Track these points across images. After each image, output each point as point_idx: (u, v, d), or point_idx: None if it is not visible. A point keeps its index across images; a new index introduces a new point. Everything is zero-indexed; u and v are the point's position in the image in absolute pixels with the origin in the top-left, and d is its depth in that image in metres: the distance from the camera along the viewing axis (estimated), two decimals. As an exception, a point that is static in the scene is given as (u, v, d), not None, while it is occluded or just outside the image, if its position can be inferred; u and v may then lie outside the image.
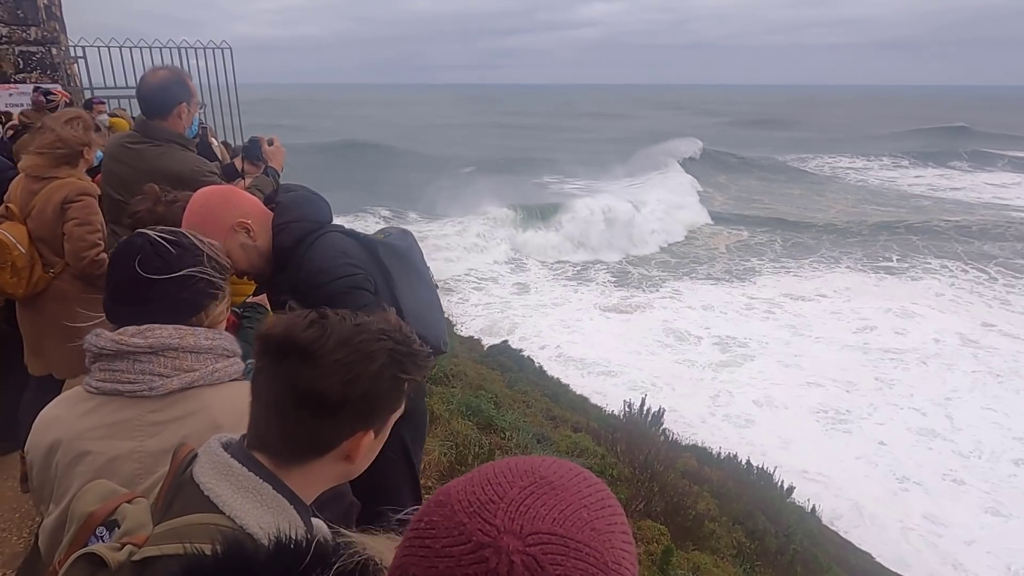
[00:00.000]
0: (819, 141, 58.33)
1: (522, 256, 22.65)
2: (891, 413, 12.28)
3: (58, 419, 1.19)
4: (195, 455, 0.90)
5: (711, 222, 28.29)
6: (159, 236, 1.18)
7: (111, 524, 0.88)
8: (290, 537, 0.71)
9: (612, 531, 0.55)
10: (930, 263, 22.08)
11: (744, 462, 8.15)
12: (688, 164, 39.18)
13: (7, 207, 2.94)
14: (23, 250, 2.85)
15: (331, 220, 1.95)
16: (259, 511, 0.83)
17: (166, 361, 1.13)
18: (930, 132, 63.03)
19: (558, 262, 22.32)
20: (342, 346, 0.86)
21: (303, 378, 0.84)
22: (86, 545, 0.88)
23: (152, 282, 1.14)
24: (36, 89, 6.79)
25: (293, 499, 0.88)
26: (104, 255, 2.89)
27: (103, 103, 7.22)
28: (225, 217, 1.73)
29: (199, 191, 1.82)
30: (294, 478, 0.89)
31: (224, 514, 0.82)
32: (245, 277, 1.91)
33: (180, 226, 1.68)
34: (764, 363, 14.20)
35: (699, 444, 8.68)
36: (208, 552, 0.71)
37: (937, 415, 12.19)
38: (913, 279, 20.56)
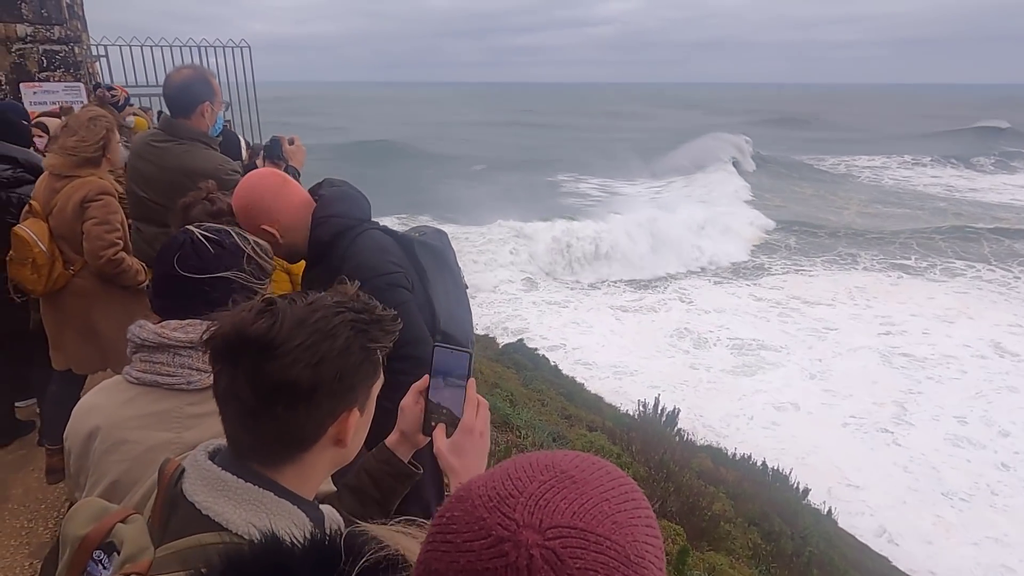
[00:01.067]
0: (853, 141, 55.99)
1: (555, 276, 20.23)
2: (920, 420, 11.95)
3: (97, 407, 1.21)
4: (183, 470, 0.85)
5: (773, 228, 25.38)
6: (202, 235, 1.20)
7: (108, 547, 0.84)
8: (324, 532, 0.72)
9: (635, 524, 0.54)
10: (954, 263, 21.52)
11: (760, 463, 8.10)
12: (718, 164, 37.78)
13: (30, 204, 2.98)
14: (43, 247, 2.89)
15: (370, 217, 1.97)
16: (266, 522, 0.80)
17: (205, 356, 1.15)
18: (966, 132, 60.60)
19: (607, 283, 19.80)
20: (299, 329, 0.80)
21: (266, 373, 0.78)
22: (85, 570, 0.84)
23: (187, 280, 1.17)
24: (98, 86, 7.14)
25: (296, 500, 0.85)
26: (122, 254, 2.92)
27: (132, 103, 7.36)
28: (257, 217, 1.78)
29: (255, 172, 1.87)
30: (289, 476, 0.85)
31: (229, 531, 0.78)
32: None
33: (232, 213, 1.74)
34: (782, 365, 14.01)
35: (714, 445, 8.65)
36: (246, 546, 0.71)
37: (972, 423, 11.74)
38: (932, 279, 20.17)
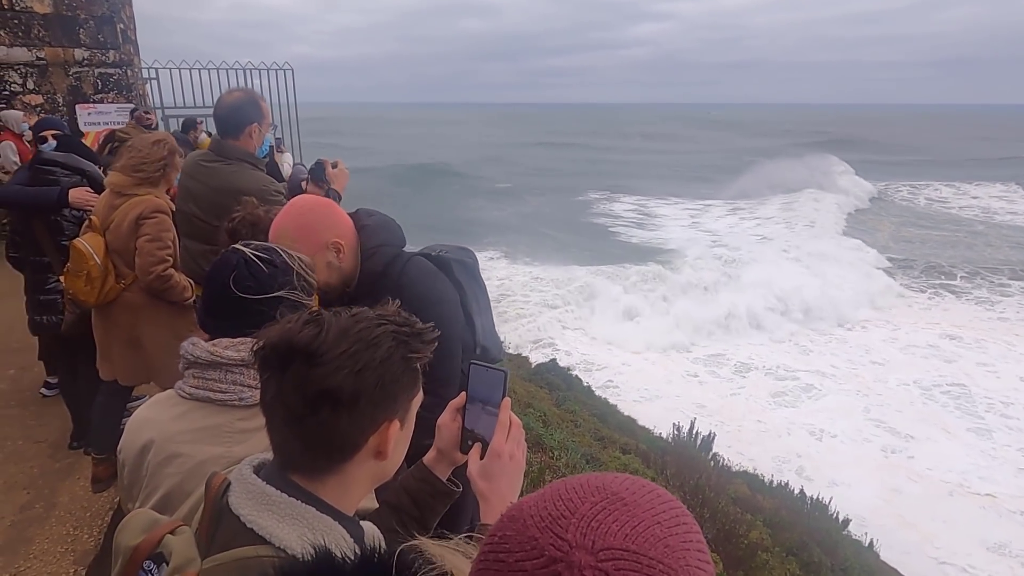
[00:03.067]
0: (914, 164, 52.59)
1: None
2: (965, 458, 11.31)
3: (151, 421, 1.24)
4: (229, 483, 0.87)
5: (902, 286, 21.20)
6: (254, 254, 1.23)
7: (157, 557, 0.86)
8: (375, 548, 0.72)
9: (687, 549, 0.54)
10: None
11: (797, 491, 7.88)
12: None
13: (90, 219, 3.11)
14: (98, 261, 3.00)
15: (405, 244, 2.00)
16: (309, 536, 0.82)
17: (255, 373, 1.18)
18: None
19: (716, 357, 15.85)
20: (343, 338, 0.83)
21: (312, 379, 0.81)
22: None
23: (242, 300, 1.19)
24: (135, 110, 7.62)
25: (338, 516, 0.86)
26: (171, 271, 3.01)
27: (202, 122, 7.71)
28: (322, 232, 1.75)
29: (301, 197, 1.87)
30: (330, 489, 0.87)
31: (272, 545, 0.80)
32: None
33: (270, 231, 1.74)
34: (825, 393, 13.58)
35: (750, 471, 8.45)
36: (300, 560, 0.72)
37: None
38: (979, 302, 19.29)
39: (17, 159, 7.50)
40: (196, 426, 1.19)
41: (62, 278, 3.18)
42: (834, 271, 20.56)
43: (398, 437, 0.91)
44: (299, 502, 0.82)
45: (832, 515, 7.47)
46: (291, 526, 0.81)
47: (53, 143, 3.83)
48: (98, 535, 3.04)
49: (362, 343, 0.84)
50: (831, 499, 7.77)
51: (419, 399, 0.95)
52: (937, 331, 16.84)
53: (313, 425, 0.83)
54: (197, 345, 1.19)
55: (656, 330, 16.29)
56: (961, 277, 21.57)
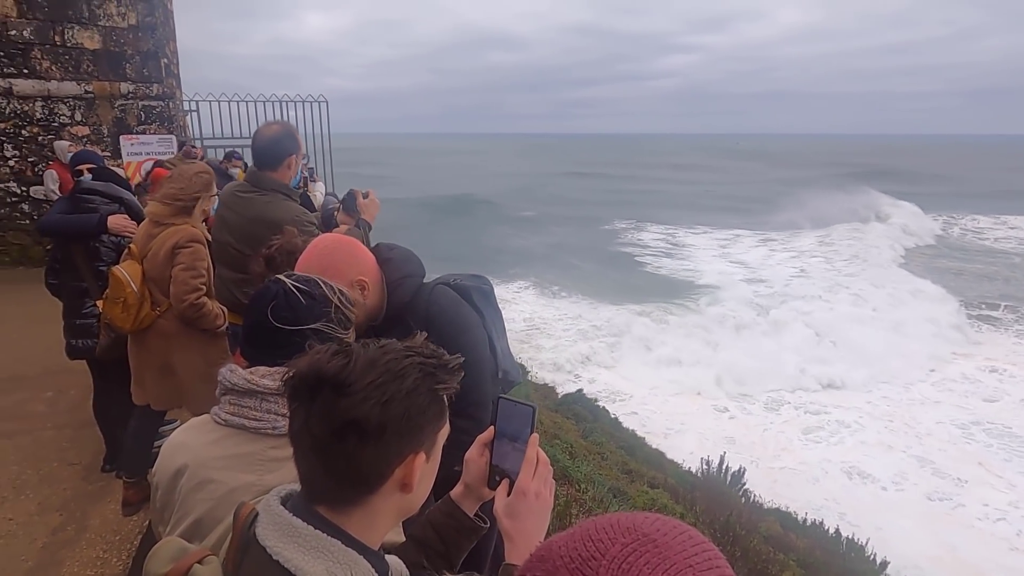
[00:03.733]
0: (959, 195, 49.60)
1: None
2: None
3: (185, 445, 1.25)
4: (256, 514, 0.87)
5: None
6: (294, 285, 1.25)
7: None
8: None
9: None
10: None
11: (832, 531, 7.62)
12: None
13: (129, 248, 3.20)
14: (135, 288, 3.08)
15: (426, 274, 2.05)
16: (335, 569, 0.82)
17: None
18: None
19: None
20: (371, 369, 0.84)
21: (339, 409, 0.81)
22: None
23: (279, 330, 1.21)
24: (183, 144, 8.12)
25: (363, 550, 0.86)
26: (204, 299, 3.07)
27: (240, 159, 8.02)
28: (347, 271, 1.78)
29: (324, 236, 1.91)
30: (355, 522, 0.87)
31: None
32: None
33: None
34: (857, 428, 13.16)
35: (782, 508, 8.21)
36: None
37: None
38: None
39: (57, 188, 7.81)
40: (230, 453, 1.20)
41: (99, 303, 3.27)
42: (896, 314, 19.16)
43: (424, 469, 0.90)
44: (325, 535, 0.82)
45: (869, 557, 7.20)
46: (317, 559, 0.80)
47: (89, 176, 3.96)
48: (127, 559, 3.06)
49: (389, 374, 0.84)
50: (868, 540, 7.51)
51: (445, 431, 0.94)
52: (976, 364, 16.30)
53: (339, 455, 0.83)
54: (235, 372, 1.21)
55: (698, 379, 15.08)
56: (1004, 308, 20.75)
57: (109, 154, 8.99)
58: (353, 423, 0.81)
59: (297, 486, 0.89)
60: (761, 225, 36.91)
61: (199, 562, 0.89)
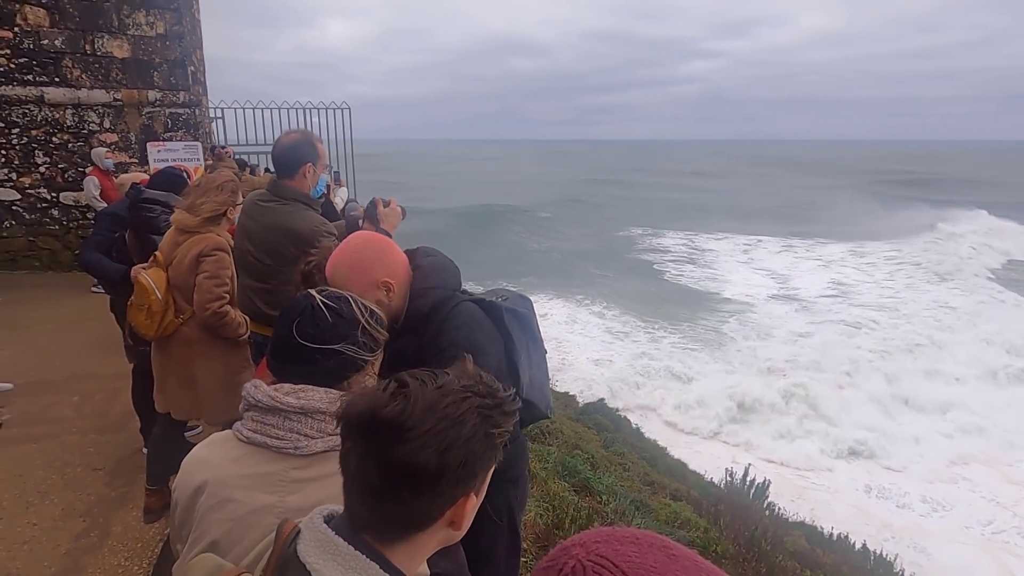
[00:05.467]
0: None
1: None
2: None
3: (206, 461, 1.23)
4: (299, 531, 0.88)
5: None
6: (323, 301, 1.22)
7: None
8: None
9: None
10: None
11: (859, 546, 7.44)
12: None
13: (155, 256, 3.22)
14: (160, 295, 3.09)
15: (461, 286, 1.98)
16: None
17: (313, 423, 1.17)
18: None
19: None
20: (430, 414, 0.82)
21: (397, 455, 0.80)
22: None
23: (303, 346, 1.19)
24: (214, 147, 8.42)
25: None
26: (227, 307, 3.07)
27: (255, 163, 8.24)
28: (375, 271, 1.76)
29: (359, 234, 1.88)
30: (398, 554, 0.86)
31: None
32: None
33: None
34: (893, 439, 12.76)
35: (807, 522, 8.04)
36: None
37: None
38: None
39: (99, 194, 7.95)
40: (251, 471, 1.18)
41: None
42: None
43: (473, 507, 0.90)
44: (364, 557, 0.82)
45: (898, 573, 7.02)
46: None
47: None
48: (147, 567, 3.07)
49: (448, 420, 0.82)
50: (896, 556, 7.32)
51: (493, 468, 0.93)
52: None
53: (391, 501, 0.82)
54: (259, 388, 1.19)
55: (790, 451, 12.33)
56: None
57: (136, 160, 9.14)
58: (409, 472, 0.80)
59: (339, 507, 0.89)
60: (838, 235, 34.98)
61: None
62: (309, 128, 8.97)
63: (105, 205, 7.98)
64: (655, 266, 29.42)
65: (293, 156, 3.05)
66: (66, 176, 8.89)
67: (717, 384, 14.53)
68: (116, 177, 8.45)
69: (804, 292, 24.14)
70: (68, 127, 8.88)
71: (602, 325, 19.51)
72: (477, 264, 25.08)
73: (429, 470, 0.80)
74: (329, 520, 0.87)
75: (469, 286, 2.41)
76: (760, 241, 34.29)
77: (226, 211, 3.16)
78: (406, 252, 1.95)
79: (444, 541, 0.92)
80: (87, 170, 8.36)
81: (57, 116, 8.81)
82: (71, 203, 9.04)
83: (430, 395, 0.83)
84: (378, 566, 0.83)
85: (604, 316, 20.53)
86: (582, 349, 17.12)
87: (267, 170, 9.84)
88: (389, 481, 0.80)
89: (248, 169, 8.86)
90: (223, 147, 8.05)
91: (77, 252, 9.03)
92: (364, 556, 0.82)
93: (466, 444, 0.82)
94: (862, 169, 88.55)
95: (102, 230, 4.04)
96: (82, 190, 8.32)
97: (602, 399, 9.67)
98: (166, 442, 3.44)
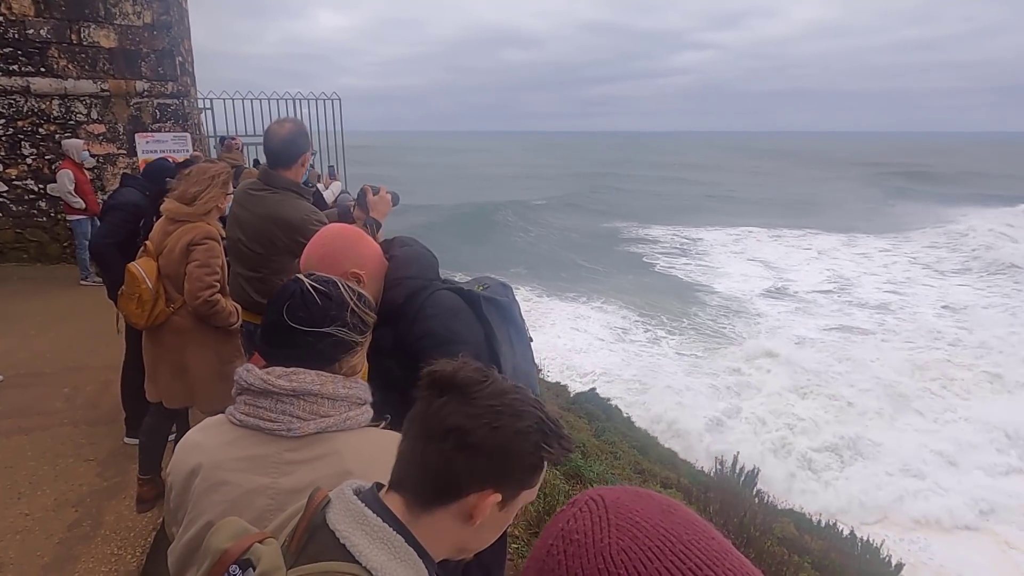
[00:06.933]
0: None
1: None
2: None
3: (200, 445, 1.24)
4: (329, 500, 0.92)
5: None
6: (311, 285, 1.23)
7: (244, 563, 0.90)
8: None
9: None
10: None
11: (847, 533, 7.55)
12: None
13: (145, 245, 3.21)
14: (150, 284, 3.09)
15: (439, 276, 1.97)
16: (393, 563, 0.84)
17: (305, 405, 1.18)
18: None
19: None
20: (498, 396, 0.90)
21: (456, 413, 0.88)
22: None
23: (294, 330, 1.20)
24: (223, 139, 8.49)
25: (423, 554, 0.89)
26: (218, 296, 3.07)
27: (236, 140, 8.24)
28: (343, 262, 1.76)
29: (329, 226, 1.88)
30: (421, 528, 0.90)
31: (360, 564, 0.83)
32: None
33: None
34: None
35: (796, 509, 8.13)
36: None
37: None
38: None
39: (73, 188, 7.89)
40: (245, 454, 1.19)
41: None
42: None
43: (494, 513, 0.93)
44: (390, 528, 0.87)
45: (884, 559, 7.12)
46: (381, 550, 0.84)
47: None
48: (140, 556, 3.08)
49: (510, 408, 0.89)
50: (883, 542, 7.42)
51: (529, 496, 0.97)
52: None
53: (437, 451, 0.88)
54: (251, 372, 1.20)
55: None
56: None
57: (124, 152, 9.07)
58: (461, 429, 0.87)
59: (365, 482, 0.95)
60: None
61: (260, 542, 0.92)
62: (299, 119, 8.94)
63: (79, 200, 7.95)
64: (644, 259, 29.36)
65: (292, 147, 3.06)
66: (53, 167, 8.81)
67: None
68: (91, 170, 8.44)
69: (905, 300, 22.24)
70: (55, 118, 8.79)
71: (602, 319, 19.48)
72: (467, 257, 25.01)
73: (475, 435, 0.87)
74: (358, 492, 0.92)
75: (459, 277, 2.41)
76: (813, 237, 32.84)
77: (217, 200, 3.16)
78: (383, 243, 1.95)
79: (459, 541, 0.95)
80: (60, 163, 8.29)
81: (43, 107, 8.72)
82: (58, 195, 8.98)
83: (505, 386, 0.92)
84: (403, 539, 0.87)
85: (596, 308, 20.60)
86: (573, 340, 17.19)
87: (256, 162, 9.79)
88: (441, 432, 0.87)
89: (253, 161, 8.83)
90: (232, 138, 8.07)
91: (66, 244, 8.98)
92: (389, 528, 0.87)
93: (515, 436, 0.88)
94: (860, 161, 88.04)
95: (119, 220, 4.01)
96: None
97: (593, 388, 9.72)
98: (157, 432, 3.44)
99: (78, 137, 8.61)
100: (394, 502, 0.91)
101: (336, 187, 8.42)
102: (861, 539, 7.47)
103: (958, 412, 13.56)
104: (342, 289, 1.25)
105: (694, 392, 13.90)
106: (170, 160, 4.37)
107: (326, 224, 3.16)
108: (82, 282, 8.11)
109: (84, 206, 8.02)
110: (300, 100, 10.83)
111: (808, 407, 13.44)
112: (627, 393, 13.28)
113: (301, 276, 1.26)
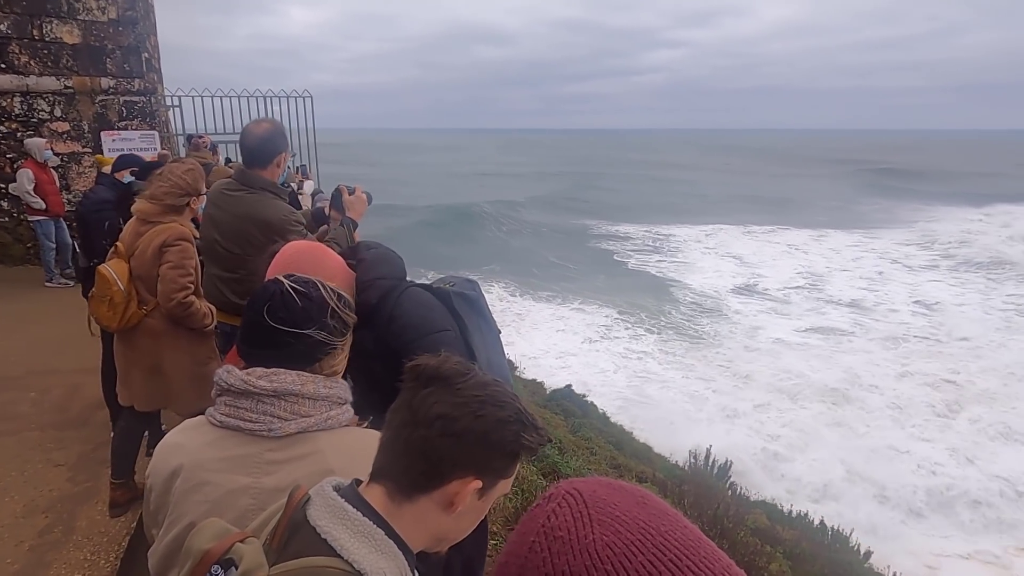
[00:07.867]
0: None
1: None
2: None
3: (181, 446, 1.24)
4: (309, 498, 0.93)
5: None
6: (291, 286, 1.24)
7: (226, 563, 0.90)
8: None
9: None
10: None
11: (818, 523, 7.72)
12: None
13: (116, 246, 3.16)
14: (122, 286, 3.04)
15: (406, 276, 2.02)
16: (374, 556, 0.86)
17: (286, 405, 1.19)
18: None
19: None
20: (481, 387, 0.94)
21: (442, 402, 0.91)
22: None
23: (274, 330, 1.20)
24: (191, 137, 8.37)
25: (402, 546, 0.91)
26: (192, 298, 3.04)
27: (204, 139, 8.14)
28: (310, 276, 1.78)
29: (290, 244, 1.89)
30: (402, 518, 0.92)
31: (341, 558, 0.84)
32: None
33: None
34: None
35: (768, 500, 8.29)
36: None
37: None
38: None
39: (32, 188, 7.70)
40: (226, 454, 1.19)
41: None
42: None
43: (473, 502, 0.95)
44: (370, 522, 0.88)
45: (854, 547, 7.31)
46: (362, 543, 0.86)
47: (131, 178, 3.98)
48: (114, 561, 3.04)
49: (492, 399, 0.93)
50: (852, 531, 7.61)
51: (504, 487, 1.00)
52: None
53: (421, 437, 0.91)
54: (231, 373, 1.20)
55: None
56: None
57: (90, 150, 8.87)
58: (447, 417, 0.90)
59: (343, 480, 0.96)
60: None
61: (241, 542, 0.92)
62: (271, 117, 8.83)
63: (39, 200, 7.77)
64: (615, 256, 29.52)
65: (269, 146, 3.04)
66: (15, 166, 8.57)
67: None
68: (56, 168, 8.25)
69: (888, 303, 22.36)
70: (16, 115, 8.56)
71: (581, 319, 19.47)
72: (439, 257, 24.89)
73: (460, 422, 0.91)
74: (338, 489, 0.94)
75: (430, 276, 2.42)
76: (783, 232, 33.44)
77: (190, 201, 3.12)
78: (348, 248, 1.98)
79: (439, 531, 0.97)
80: (21, 161, 8.09)
81: (4, 104, 8.48)
82: (18, 194, 8.75)
83: (487, 379, 0.97)
84: (383, 532, 0.89)
85: (575, 310, 20.63)
86: (551, 338, 17.23)
87: (228, 160, 9.64)
88: (427, 417, 0.91)
89: (218, 157, 8.68)
90: (200, 136, 7.95)
91: (30, 245, 8.75)
92: (369, 521, 0.89)
93: (497, 424, 0.92)
94: (830, 158, 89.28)
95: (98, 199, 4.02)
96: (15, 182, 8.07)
97: (569, 385, 9.77)
98: (130, 436, 3.39)
99: (41, 135, 8.40)
100: (375, 494, 0.93)
101: (309, 186, 8.35)
102: (832, 528, 7.65)
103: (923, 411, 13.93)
104: (322, 290, 1.26)
105: (667, 387, 14.10)
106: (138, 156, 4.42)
107: (303, 223, 3.16)
108: (47, 284, 7.92)
109: (44, 206, 7.85)
110: (271, 98, 10.70)
111: (783, 403, 13.73)
112: (603, 387, 13.38)
113: (281, 277, 1.26)
